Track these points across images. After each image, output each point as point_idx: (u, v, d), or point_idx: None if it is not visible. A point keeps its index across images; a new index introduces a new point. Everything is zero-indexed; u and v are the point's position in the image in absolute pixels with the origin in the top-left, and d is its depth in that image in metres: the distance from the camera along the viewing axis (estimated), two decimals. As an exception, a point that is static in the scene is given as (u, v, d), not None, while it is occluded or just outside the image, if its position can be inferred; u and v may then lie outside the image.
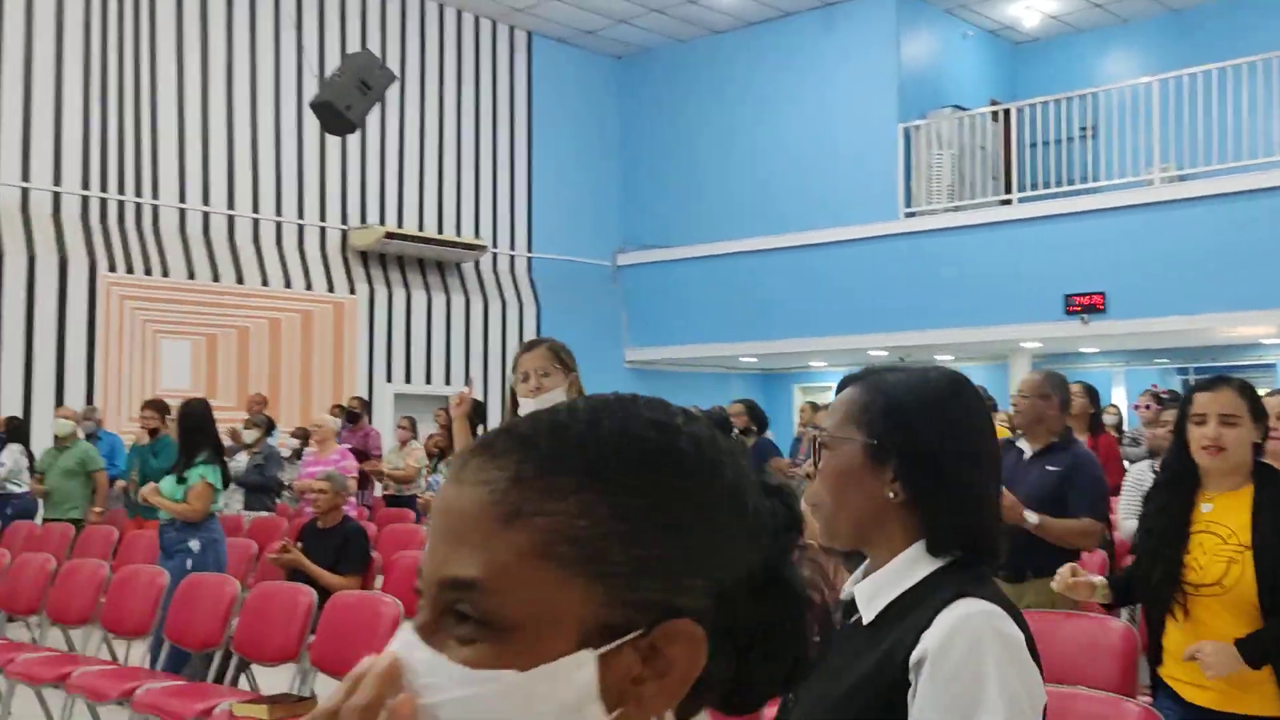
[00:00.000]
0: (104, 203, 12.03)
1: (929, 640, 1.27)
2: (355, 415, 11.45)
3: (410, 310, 14.35)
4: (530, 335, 14.84)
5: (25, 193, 11.46)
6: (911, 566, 1.38)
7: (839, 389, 1.50)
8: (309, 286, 13.42)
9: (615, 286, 16.21)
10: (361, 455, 10.16)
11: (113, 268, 11.88)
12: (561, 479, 0.69)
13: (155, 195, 12.40)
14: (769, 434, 9.67)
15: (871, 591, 1.40)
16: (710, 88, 15.66)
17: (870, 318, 13.23)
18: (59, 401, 11.02)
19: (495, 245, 15.34)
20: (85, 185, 11.87)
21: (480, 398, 11.96)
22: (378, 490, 11.09)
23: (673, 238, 15.54)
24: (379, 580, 6.33)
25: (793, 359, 15.77)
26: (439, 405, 9.87)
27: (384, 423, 12.61)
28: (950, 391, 1.44)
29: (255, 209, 13.17)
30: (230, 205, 12.95)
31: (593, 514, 0.68)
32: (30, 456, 9.65)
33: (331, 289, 13.62)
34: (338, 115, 9.88)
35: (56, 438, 9.54)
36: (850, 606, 1.44)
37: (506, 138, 15.62)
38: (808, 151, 14.51)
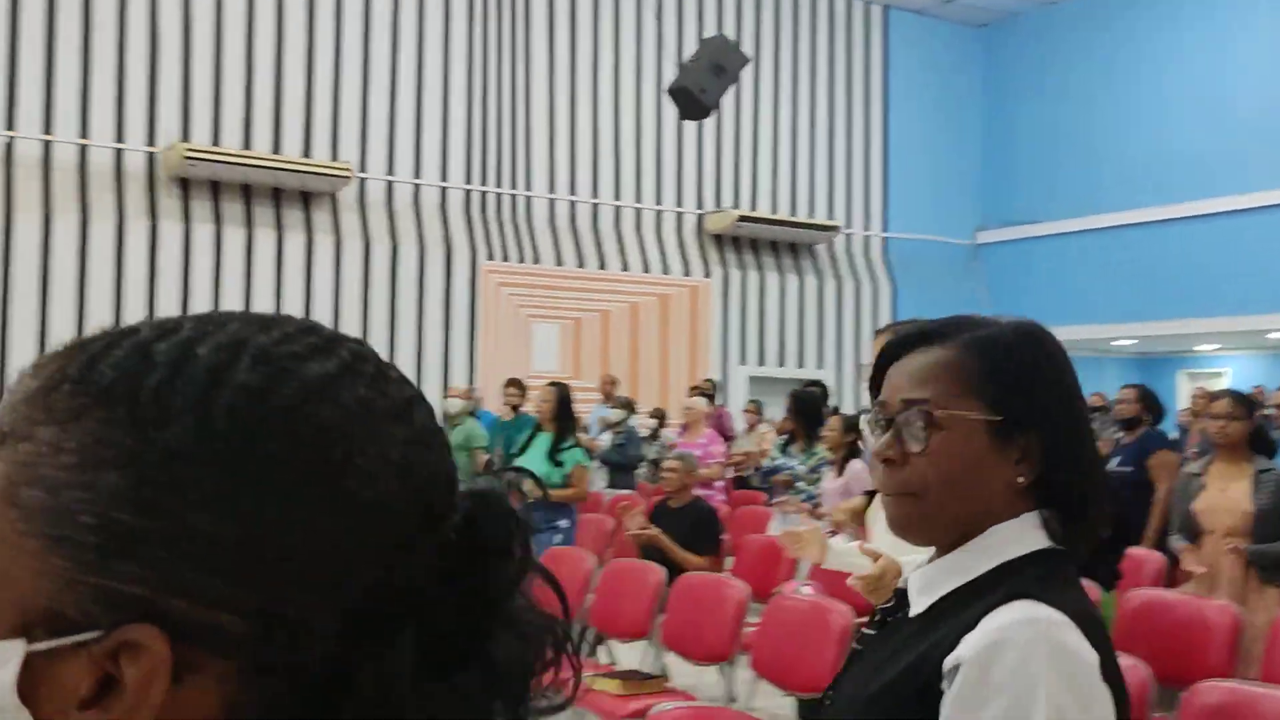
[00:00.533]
0: (484, 196, 12.97)
1: (968, 646, 1.05)
2: (709, 396, 11.65)
3: (763, 292, 14.43)
4: (885, 317, 14.52)
5: (417, 189, 12.56)
6: (980, 556, 1.15)
7: (900, 347, 1.24)
8: (665, 270, 13.83)
9: (976, 265, 15.52)
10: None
11: (490, 256, 12.79)
12: (70, 396, 0.49)
13: (528, 187, 13.21)
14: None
15: (927, 581, 1.19)
16: (1081, 50, 14.58)
17: (1275, 295, 11.83)
18: (445, 381, 12.03)
19: (849, 226, 15.11)
20: (468, 180, 12.84)
21: (830, 382, 11.85)
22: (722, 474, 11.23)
23: (1038, 212, 14.64)
24: (729, 561, 6.39)
25: (1177, 341, 14.44)
26: (791, 388, 9.87)
27: (738, 405, 12.77)
28: (1059, 349, 1.22)
29: (617, 196, 13.72)
30: (594, 194, 13.57)
31: (81, 452, 0.48)
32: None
33: (687, 273, 13.96)
34: (693, 100, 10.01)
35: (447, 416, 10.34)
36: (902, 596, 1.23)
37: (861, 115, 15.33)
38: (1199, 112, 13.18)
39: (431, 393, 11.76)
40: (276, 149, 11.76)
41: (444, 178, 12.70)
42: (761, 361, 14.33)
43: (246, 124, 11.65)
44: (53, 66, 10.72)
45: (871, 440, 1.24)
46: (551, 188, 13.36)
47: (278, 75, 11.81)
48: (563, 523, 6.56)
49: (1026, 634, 1.03)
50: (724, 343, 14.09)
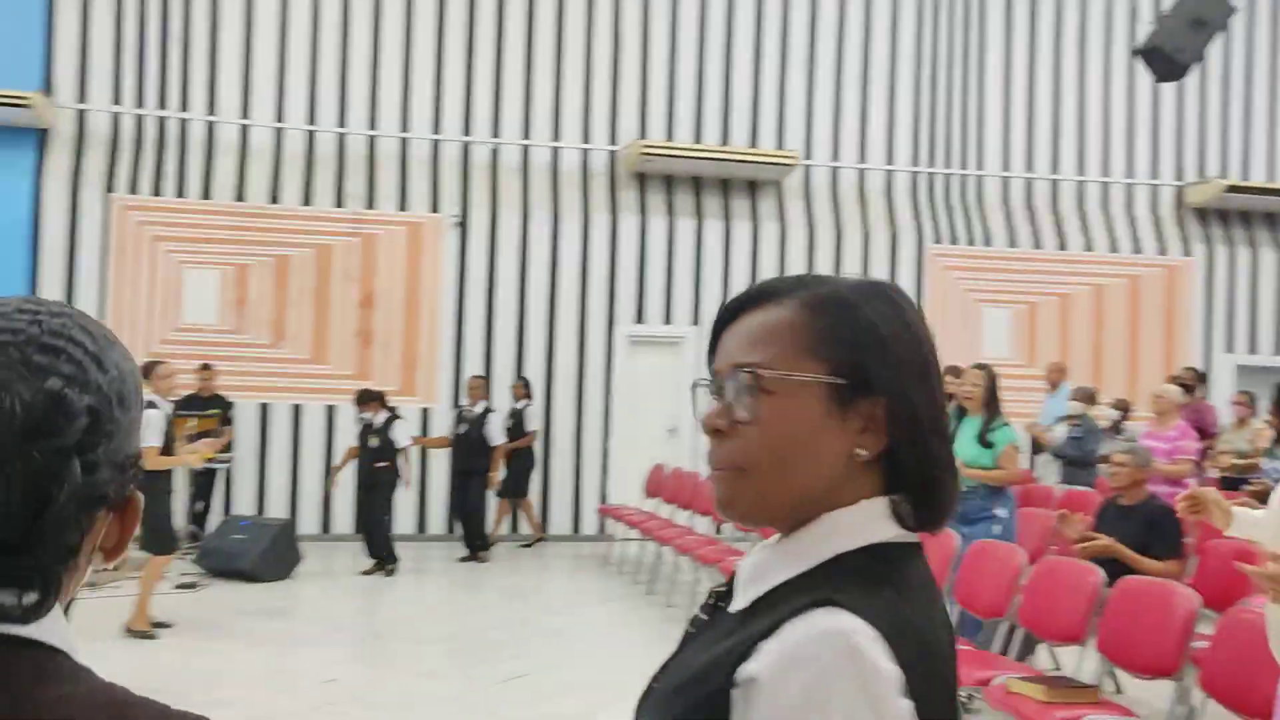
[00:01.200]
0: (931, 178, 12.54)
1: (763, 659, 0.93)
2: (1188, 388, 10.46)
3: (1256, 271, 12.73)
4: None
5: (862, 174, 12.40)
6: (812, 546, 1.01)
7: (737, 309, 1.09)
8: (1137, 250, 12.61)
9: None
10: (1198, 432, 9.25)
11: (938, 239, 12.35)
12: None
13: (980, 166, 12.60)
14: None
15: (755, 571, 1.05)
16: None
17: None
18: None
19: (1371, 191, 12.93)
20: (914, 162, 12.48)
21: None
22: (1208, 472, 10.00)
23: None
24: (1192, 566, 5.65)
25: None
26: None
27: (1222, 396, 11.36)
28: (916, 314, 1.07)
29: (1080, 171, 12.73)
30: (1054, 169, 12.69)
31: None
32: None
33: (1163, 251, 12.64)
34: (1167, 60, 9.04)
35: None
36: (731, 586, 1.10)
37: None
38: None
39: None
40: (725, 140, 12.11)
41: (890, 161, 12.44)
42: (1253, 349, 12.64)
43: (697, 118, 12.11)
44: (531, 80, 11.76)
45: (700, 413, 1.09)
46: (1006, 165, 12.64)
47: (727, 70, 12.15)
48: (1000, 512, 6.18)
49: (824, 648, 0.91)
50: (1207, 328, 12.60)
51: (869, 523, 1.02)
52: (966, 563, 5.38)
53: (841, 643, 0.91)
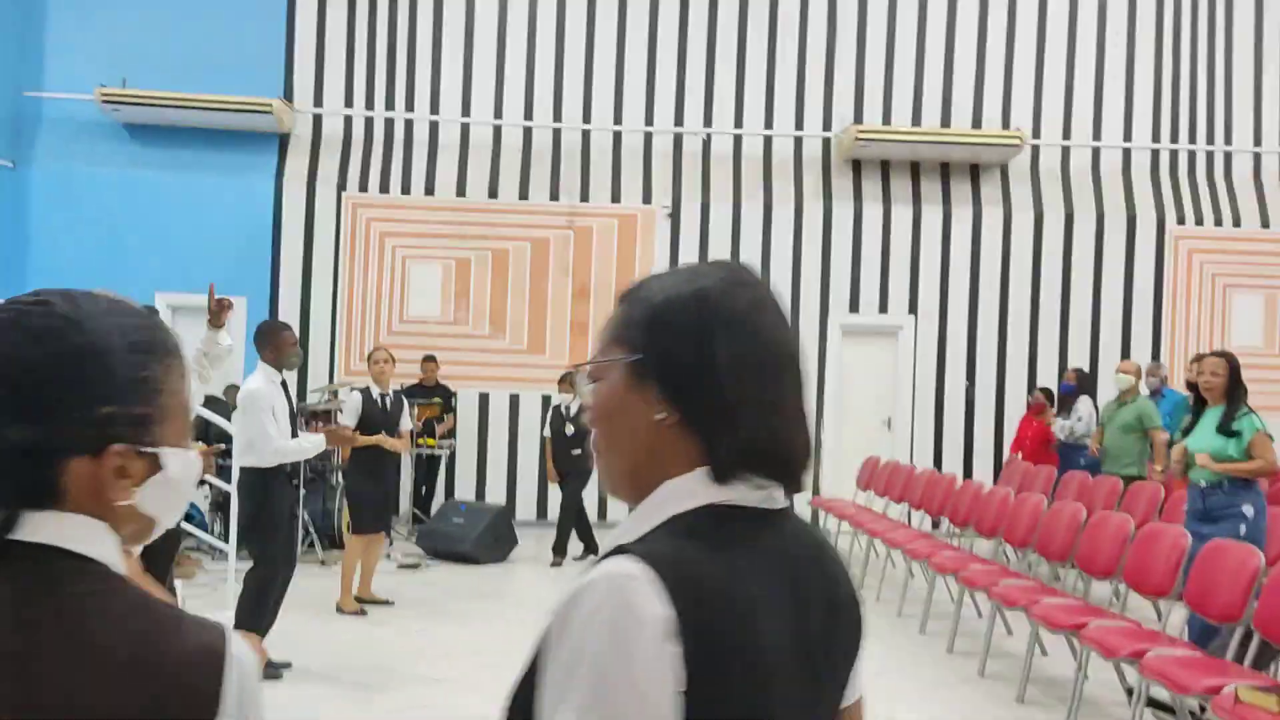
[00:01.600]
0: (1174, 155, 11.68)
1: (556, 601, 1.03)
2: None
3: None
4: None
5: (1096, 153, 11.67)
6: (650, 513, 1.11)
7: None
8: None
9: None
10: None
11: (1181, 220, 11.49)
12: None
13: (1228, 142, 11.65)
14: None
15: (610, 541, 1.11)
16: None
17: None
18: (1124, 356, 11.06)
19: None
20: (1155, 139, 11.65)
21: None
22: None
23: None
24: None
25: None
26: None
27: None
28: (719, 286, 1.14)
29: (1347, 143, 11.57)
30: (1316, 142, 11.59)
31: None
32: (1096, 410, 9.82)
33: None
34: None
35: (1120, 392, 9.53)
36: None
37: None
38: None
39: (1108, 369, 10.90)
40: (945, 122, 11.65)
41: (1127, 138, 11.66)
42: None
43: (916, 101, 11.70)
44: (743, 67, 11.67)
45: None
46: (1257, 140, 11.64)
47: (949, 47, 11.69)
48: (1248, 509, 5.67)
49: (596, 588, 1.00)
50: None
51: (696, 486, 1.10)
52: (1198, 564, 4.94)
53: (610, 583, 0.99)
